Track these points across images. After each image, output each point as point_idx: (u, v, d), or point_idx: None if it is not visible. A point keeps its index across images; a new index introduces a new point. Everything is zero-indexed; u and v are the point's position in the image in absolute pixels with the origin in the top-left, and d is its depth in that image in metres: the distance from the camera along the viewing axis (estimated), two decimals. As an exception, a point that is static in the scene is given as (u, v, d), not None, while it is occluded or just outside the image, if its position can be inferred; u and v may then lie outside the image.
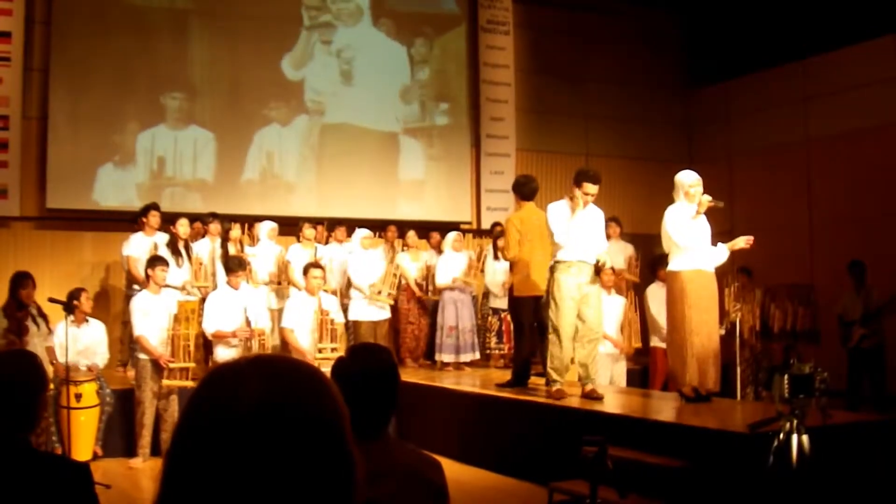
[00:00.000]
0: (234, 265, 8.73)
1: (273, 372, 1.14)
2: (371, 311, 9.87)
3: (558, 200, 7.64)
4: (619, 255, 10.84)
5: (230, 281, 8.63)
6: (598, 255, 7.48)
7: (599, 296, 7.76)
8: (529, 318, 8.16)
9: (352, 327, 9.87)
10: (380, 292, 9.79)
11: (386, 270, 9.87)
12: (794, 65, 12.71)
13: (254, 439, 1.07)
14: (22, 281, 8.13)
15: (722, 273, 8.29)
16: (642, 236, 11.70)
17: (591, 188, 7.46)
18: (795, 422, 4.90)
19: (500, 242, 10.12)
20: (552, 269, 7.51)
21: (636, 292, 10.08)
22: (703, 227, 7.00)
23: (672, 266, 7.05)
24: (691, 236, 6.91)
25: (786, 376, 4.88)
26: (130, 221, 9.95)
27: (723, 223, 7.31)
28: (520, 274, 8.16)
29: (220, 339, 8.49)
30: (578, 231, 7.43)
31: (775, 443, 4.94)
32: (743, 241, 7.02)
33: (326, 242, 10.58)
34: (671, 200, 7.15)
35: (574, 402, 7.40)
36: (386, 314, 10.02)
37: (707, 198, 6.94)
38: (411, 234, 10.84)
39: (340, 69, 12.21)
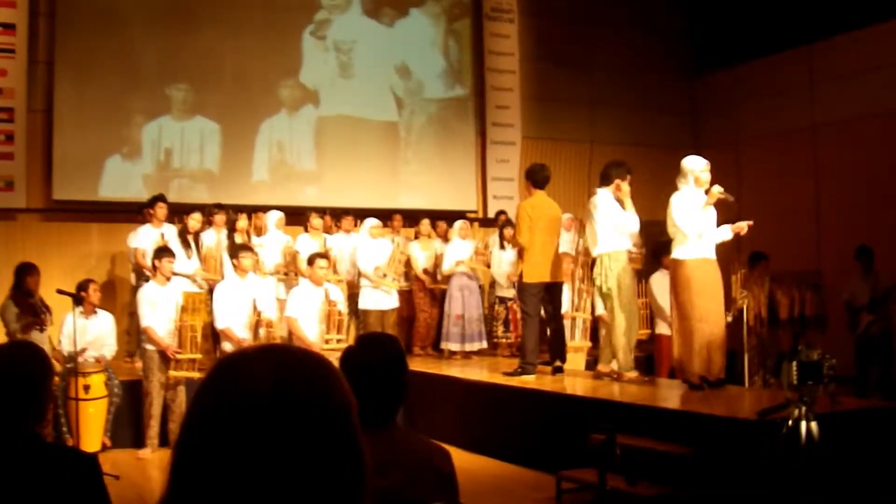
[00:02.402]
0: (242, 248, 8.69)
1: (283, 360, 1.14)
2: (379, 299, 9.85)
3: (602, 192, 7.79)
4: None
5: (239, 265, 8.51)
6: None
7: None
8: (537, 305, 8.18)
9: (361, 316, 9.87)
10: (384, 275, 9.77)
11: (391, 255, 9.86)
12: (800, 50, 12.65)
13: (264, 427, 1.07)
14: (28, 269, 8.15)
15: (729, 260, 8.28)
16: (648, 223, 11.65)
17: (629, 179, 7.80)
18: (804, 408, 4.90)
19: (507, 231, 10.12)
20: (605, 259, 7.67)
21: (641, 279, 10.04)
22: (710, 216, 6.98)
23: (676, 254, 7.03)
24: (700, 226, 6.88)
25: (794, 363, 4.88)
26: (135, 213, 9.96)
27: (729, 210, 7.26)
28: (529, 260, 8.17)
29: (229, 339, 8.43)
30: (625, 222, 7.62)
31: (784, 429, 4.94)
32: (745, 226, 7.04)
33: (333, 232, 10.56)
34: (677, 187, 7.11)
35: (581, 390, 7.41)
36: (394, 303, 10.00)
37: (718, 189, 6.90)
38: (425, 223, 10.79)
39: (340, 60, 12.17)
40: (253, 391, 1.09)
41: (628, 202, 7.71)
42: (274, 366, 1.13)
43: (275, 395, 1.09)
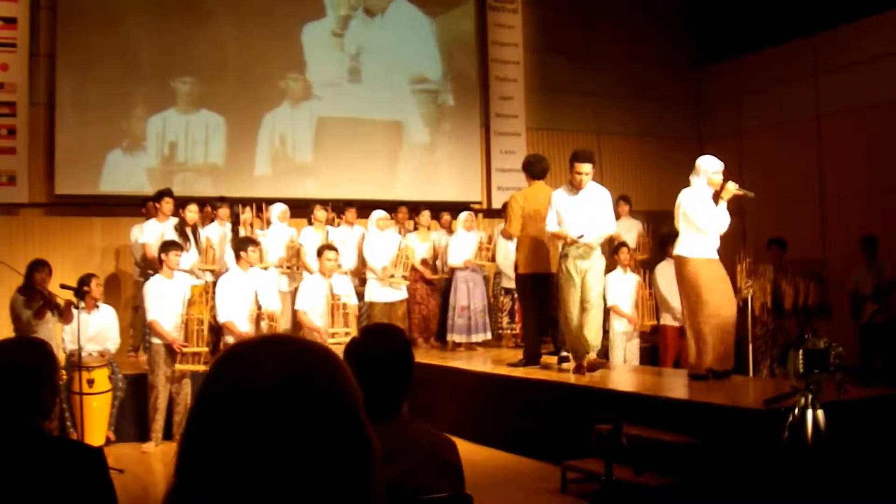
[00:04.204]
0: (246, 242, 8.67)
1: (287, 350, 1.14)
2: (386, 292, 9.86)
3: (560, 187, 7.81)
4: (627, 233, 10.80)
5: (246, 257, 8.44)
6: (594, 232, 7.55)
7: (599, 271, 7.72)
8: (533, 295, 8.14)
9: (366, 308, 9.86)
10: (392, 275, 9.77)
11: (398, 252, 9.85)
12: (804, 40, 12.59)
13: (270, 417, 1.07)
14: (36, 266, 8.21)
15: (734, 249, 8.26)
16: (652, 213, 11.66)
17: (583, 167, 7.52)
18: (810, 397, 4.88)
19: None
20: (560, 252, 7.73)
21: (647, 269, 10.03)
22: (725, 214, 6.92)
23: (681, 251, 6.94)
24: (717, 223, 6.83)
25: (800, 352, 4.86)
26: (139, 206, 9.95)
27: (733, 202, 7.21)
28: (523, 252, 8.14)
29: (231, 332, 8.40)
30: (576, 211, 7.48)
31: (790, 418, 4.92)
32: (733, 187, 6.87)
33: (336, 224, 10.54)
34: (681, 177, 7.08)
35: (586, 380, 7.40)
36: (402, 295, 9.98)
37: (734, 185, 6.84)
38: (425, 214, 10.77)
39: (345, 54, 12.12)
40: (258, 382, 1.09)
41: (581, 191, 7.60)
42: (278, 356, 1.12)
43: (279, 385, 1.09)
